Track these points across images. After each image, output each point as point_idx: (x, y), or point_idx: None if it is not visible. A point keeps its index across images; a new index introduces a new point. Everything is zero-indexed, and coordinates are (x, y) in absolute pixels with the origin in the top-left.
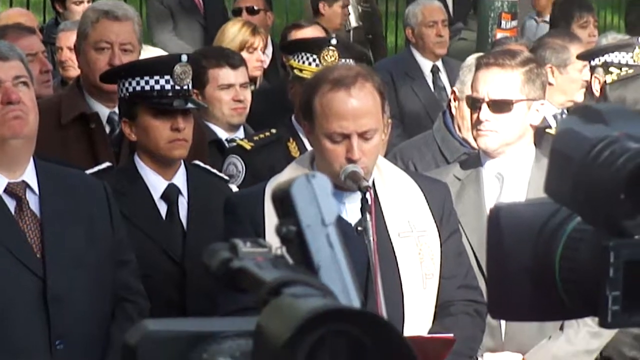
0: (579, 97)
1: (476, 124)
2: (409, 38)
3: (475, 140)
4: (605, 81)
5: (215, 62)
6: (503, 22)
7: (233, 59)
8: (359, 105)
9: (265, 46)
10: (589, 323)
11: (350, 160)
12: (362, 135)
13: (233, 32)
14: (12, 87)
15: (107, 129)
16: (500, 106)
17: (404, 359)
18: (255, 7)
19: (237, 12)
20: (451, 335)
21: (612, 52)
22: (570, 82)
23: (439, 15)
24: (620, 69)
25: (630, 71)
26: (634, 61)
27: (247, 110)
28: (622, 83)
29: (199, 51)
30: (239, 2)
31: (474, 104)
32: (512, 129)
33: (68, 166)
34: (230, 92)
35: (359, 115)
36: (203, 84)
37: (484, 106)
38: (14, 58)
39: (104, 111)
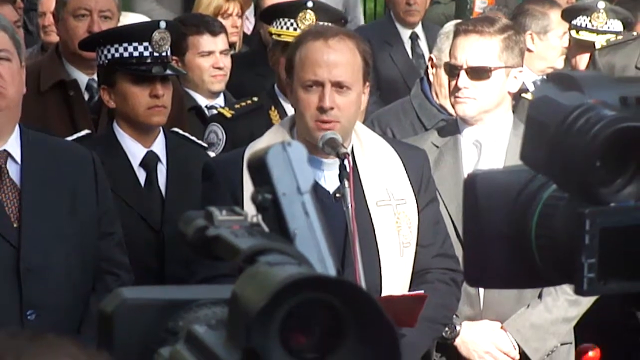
0: (559, 63)
1: (454, 91)
2: (387, 4)
3: (454, 107)
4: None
5: (195, 29)
6: None
7: (213, 26)
8: (335, 55)
9: (242, 12)
10: (568, 291)
11: (321, 109)
12: (337, 85)
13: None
14: None
15: (86, 96)
16: (479, 73)
17: (380, 326)
18: None
19: None
20: (422, 291)
21: (576, 15)
22: (550, 48)
23: None
24: (578, 33)
25: (620, 37)
26: (592, 25)
27: (227, 77)
28: (612, 49)
29: (179, 18)
30: None
31: (452, 70)
32: (490, 96)
33: (47, 133)
34: (210, 59)
35: (334, 64)
36: (183, 51)
37: (462, 73)
38: None
39: (82, 78)
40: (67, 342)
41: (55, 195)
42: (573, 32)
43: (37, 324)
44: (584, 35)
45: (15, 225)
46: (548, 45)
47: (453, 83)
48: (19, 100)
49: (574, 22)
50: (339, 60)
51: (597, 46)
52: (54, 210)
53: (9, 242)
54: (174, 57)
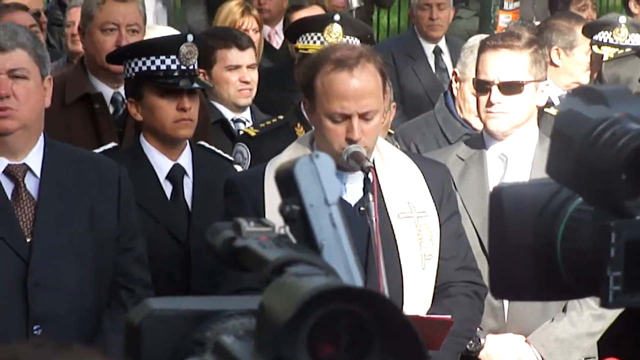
0: (585, 78)
1: (486, 107)
2: (411, 19)
3: (485, 122)
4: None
5: (223, 43)
6: (505, 4)
7: (241, 40)
8: (360, 86)
9: (260, 27)
10: (592, 305)
11: (350, 141)
12: (363, 116)
13: (225, 13)
14: (5, 80)
15: (111, 110)
16: (511, 88)
17: (408, 337)
18: None
19: None
20: (449, 316)
21: (598, 30)
22: (576, 64)
23: None
24: (600, 48)
25: (611, 53)
26: (614, 40)
27: (254, 91)
28: (618, 61)
29: (207, 31)
30: None
31: (483, 86)
32: (522, 111)
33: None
34: (238, 73)
35: (360, 96)
36: (210, 64)
37: (495, 88)
38: (14, 48)
39: (107, 91)
40: (92, 352)
41: (73, 209)
42: (595, 48)
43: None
44: (605, 51)
45: (28, 239)
46: (574, 61)
47: (484, 98)
48: (35, 118)
49: (595, 37)
50: (365, 91)
51: (605, 58)
52: (70, 224)
53: (19, 256)
54: (202, 71)
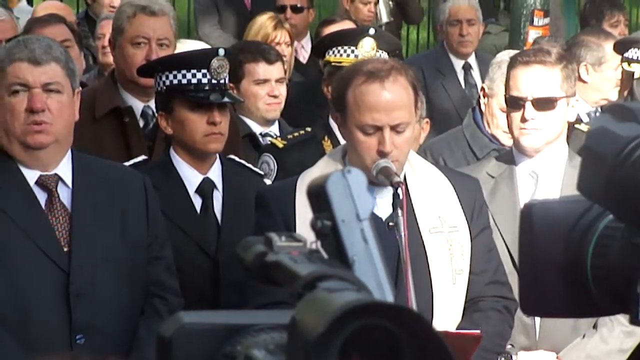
0: (613, 95)
1: (520, 123)
2: (438, 35)
3: (518, 139)
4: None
5: (251, 57)
6: (535, 19)
7: (269, 54)
8: (392, 98)
9: (292, 41)
10: (623, 322)
11: (382, 153)
12: (395, 128)
13: (257, 27)
14: (40, 94)
15: (141, 123)
16: (545, 104)
17: (438, 353)
18: (299, 5)
19: (281, 10)
20: (478, 331)
21: (630, 47)
22: (604, 80)
23: (464, 14)
24: (630, 65)
25: None
26: None
27: (282, 105)
28: None
29: (236, 45)
30: None
31: (516, 102)
32: (555, 127)
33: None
34: (266, 87)
35: (392, 108)
36: (239, 78)
37: (528, 104)
38: (49, 61)
39: (137, 105)
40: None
41: (105, 219)
42: (625, 65)
43: (86, 348)
44: (635, 68)
45: (65, 249)
46: (603, 77)
47: (516, 115)
48: (68, 131)
49: (626, 54)
50: (396, 103)
51: (637, 76)
52: (104, 234)
53: (59, 266)
54: (230, 84)
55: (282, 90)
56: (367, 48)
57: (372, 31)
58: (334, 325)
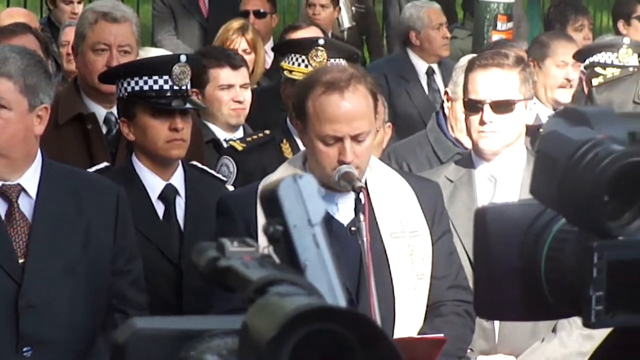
0: (560, 94)
1: (478, 126)
2: (411, 41)
3: (476, 142)
4: (591, 84)
5: (216, 62)
6: (499, 24)
7: (234, 59)
8: (352, 108)
9: (255, 48)
10: (582, 325)
11: (342, 163)
12: (355, 138)
13: (220, 32)
14: None
15: (104, 130)
16: (503, 107)
17: (390, 357)
18: (262, 10)
19: (245, 15)
20: (441, 335)
21: (599, 52)
22: (546, 76)
23: (442, 18)
24: (605, 69)
25: (616, 73)
26: (619, 61)
27: (247, 111)
28: (609, 85)
29: (201, 50)
30: (246, 4)
31: (474, 105)
32: (514, 129)
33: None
34: (231, 92)
35: (352, 118)
36: (203, 84)
37: (487, 107)
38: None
39: (100, 112)
40: None
41: (68, 231)
42: (599, 69)
43: None
44: (611, 72)
45: (20, 261)
46: (545, 73)
47: (474, 118)
48: (13, 147)
49: (595, 59)
50: (356, 113)
51: (595, 83)
52: (65, 245)
53: (12, 277)
54: (194, 90)
55: (246, 96)
56: (318, 58)
57: (321, 41)
58: (285, 330)
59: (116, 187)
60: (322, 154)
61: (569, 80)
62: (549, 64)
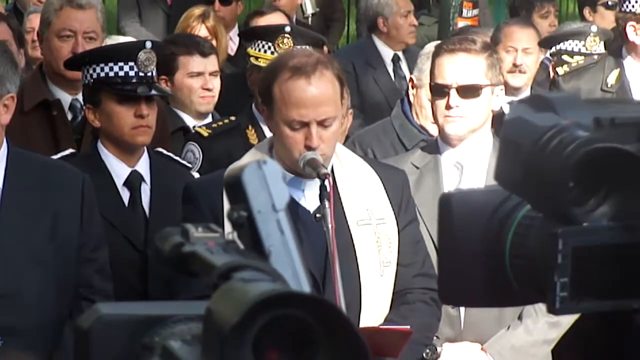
0: (510, 79)
1: (445, 110)
2: (379, 27)
3: (442, 127)
4: (557, 72)
5: (185, 50)
6: (464, 11)
7: (204, 47)
8: (318, 93)
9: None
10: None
11: (309, 148)
12: (321, 123)
13: (182, 19)
14: None
15: (69, 116)
16: (469, 92)
17: (353, 343)
18: None
19: (210, 2)
20: (408, 327)
21: (566, 40)
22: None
23: (410, 5)
24: (572, 57)
25: (582, 61)
26: (586, 49)
27: (216, 98)
28: (575, 74)
29: (170, 38)
30: None
31: (440, 90)
32: (480, 115)
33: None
34: (200, 80)
35: (318, 103)
36: (172, 71)
37: (453, 92)
38: None
39: (66, 98)
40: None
41: (36, 218)
42: (566, 57)
43: (3, 349)
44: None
45: None
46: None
47: (441, 103)
48: None
49: (563, 47)
50: (322, 98)
51: (560, 72)
52: (32, 234)
53: None
54: (164, 77)
55: (215, 84)
56: (284, 45)
57: (288, 28)
58: (249, 316)
59: (81, 174)
60: (288, 139)
61: (516, 66)
62: (500, 50)
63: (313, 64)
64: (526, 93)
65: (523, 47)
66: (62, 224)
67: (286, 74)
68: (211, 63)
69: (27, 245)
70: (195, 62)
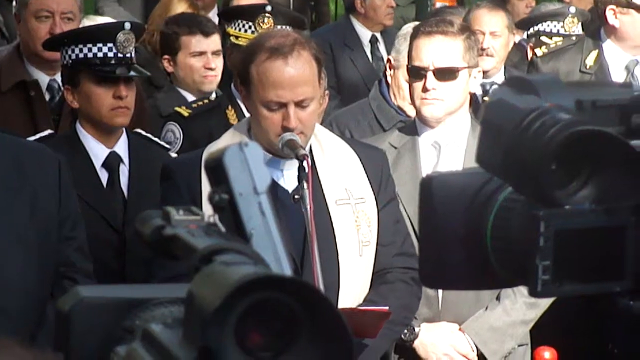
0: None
1: (421, 93)
2: (357, 8)
3: (419, 109)
4: (535, 53)
5: (188, 30)
6: None
7: (206, 27)
8: (296, 74)
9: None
10: (525, 294)
11: (286, 129)
12: (299, 104)
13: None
14: None
15: (47, 97)
16: (446, 74)
17: (335, 326)
18: None
19: None
20: (386, 308)
21: (544, 21)
22: None
23: None
24: (551, 38)
25: (560, 42)
26: (565, 30)
27: (219, 77)
28: (554, 55)
29: (173, 18)
30: None
31: (417, 72)
32: (457, 97)
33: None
34: (202, 59)
35: (296, 84)
36: (175, 51)
37: (430, 74)
38: None
39: (43, 79)
40: (12, 343)
41: (15, 198)
42: (545, 38)
43: None
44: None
45: None
46: None
47: (418, 85)
48: None
49: (541, 28)
50: (300, 79)
51: (538, 53)
52: (12, 213)
53: None
54: (167, 57)
55: (218, 63)
56: (264, 25)
57: (268, 8)
58: (230, 299)
59: (56, 155)
60: (266, 120)
61: (483, 49)
62: None
63: (290, 44)
64: (498, 76)
65: (490, 31)
66: (41, 202)
67: (263, 55)
68: (213, 42)
69: (9, 225)
70: (198, 42)
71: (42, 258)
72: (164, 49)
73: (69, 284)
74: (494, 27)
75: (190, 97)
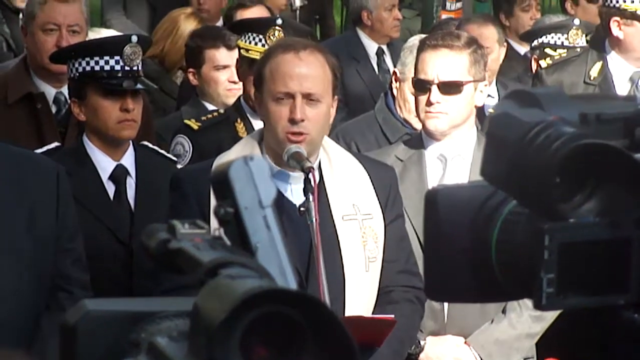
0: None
1: (425, 106)
2: (363, 21)
3: (424, 122)
4: (539, 65)
5: (212, 43)
6: (448, 4)
7: (230, 40)
8: (306, 66)
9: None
10: (531, 307)
11: (292, 121)
12: (307, 97)
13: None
14: None
15: (54, 109)
16: (451, 88)
17: (340, 340)
18: None
19: None
20: (392, 316)
21: (548, 33)
22: None
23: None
24: (555, 50)
25: (564, 54)
26: (569, 42)
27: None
28: (558, 67)
29: (197, 31)
30: None
31: (422, 86)
32: (461, 111)
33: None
34: (226, 72)
35: (305, 76)
36: (199, 64)
37: (434, 88)
38: None
39: (50, 91)
40: (18, 355)
41: (12, 209)
42: (549, 50)
43: None
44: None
45: None
46: None
47: (423, 98)
48: None
49: (545, 40)
50: (310, 72)
51: (543, 65)
52: (9, 225)
53: None
54: (191, 70)
55: None
56: (275, 38)
57: (279, 21)
58: (236, 312)
59: (55, 164)
60: (273, 115)
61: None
62: None
63: (305, 44)
64: (490, 90)
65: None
66: (39, 214)
67: (278, 52)
68: (237, 55)
69: (5, 236)
70: (222, 55)
71: (38, 270)
72: (189, 62)
73: (65, 296)
74: (484, 41)
75: None
